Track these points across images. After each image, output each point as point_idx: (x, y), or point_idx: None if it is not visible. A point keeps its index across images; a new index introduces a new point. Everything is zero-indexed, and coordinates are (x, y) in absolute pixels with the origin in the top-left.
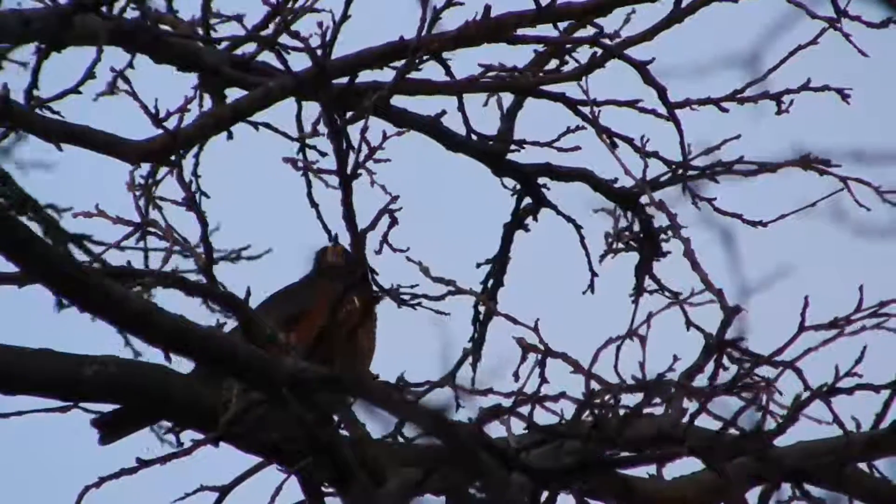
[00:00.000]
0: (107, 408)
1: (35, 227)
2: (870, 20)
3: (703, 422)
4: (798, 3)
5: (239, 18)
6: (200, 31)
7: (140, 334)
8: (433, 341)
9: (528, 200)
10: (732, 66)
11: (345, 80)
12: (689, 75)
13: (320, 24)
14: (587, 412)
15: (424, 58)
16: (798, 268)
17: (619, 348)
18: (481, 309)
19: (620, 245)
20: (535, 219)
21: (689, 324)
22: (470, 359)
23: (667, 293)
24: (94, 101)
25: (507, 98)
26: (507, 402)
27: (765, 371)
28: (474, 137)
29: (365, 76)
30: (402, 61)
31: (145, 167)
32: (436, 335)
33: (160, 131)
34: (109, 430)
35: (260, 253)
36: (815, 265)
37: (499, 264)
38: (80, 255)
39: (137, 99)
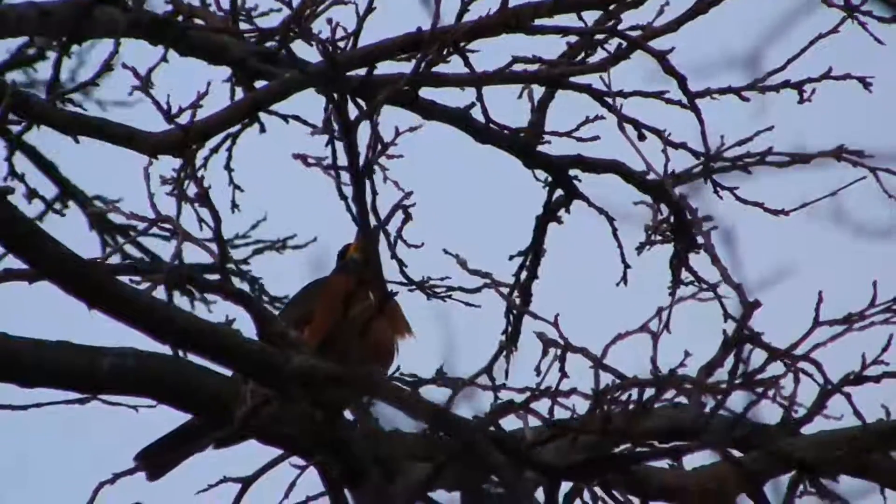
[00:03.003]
0: (125, 400)
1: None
2: (881, 15)
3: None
4: None
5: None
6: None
7: (148, 331)
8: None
9: (559, 192)
10: (732, 63)
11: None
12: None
13: (330, 21)
14: (599, 407)
15: (447, 50)
16: (794, 266)
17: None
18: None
19: (658, 237)
20: (568, 210)
21: (726, 316)
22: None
23: (703, 285)
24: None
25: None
26: (519, 398)
27: (777, 366)
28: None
29: (391, 68)
30: (419, 53)
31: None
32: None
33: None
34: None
35: (306, 242)
36: (810, 264)
37: (532, 256)
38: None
39: (149, 94)
